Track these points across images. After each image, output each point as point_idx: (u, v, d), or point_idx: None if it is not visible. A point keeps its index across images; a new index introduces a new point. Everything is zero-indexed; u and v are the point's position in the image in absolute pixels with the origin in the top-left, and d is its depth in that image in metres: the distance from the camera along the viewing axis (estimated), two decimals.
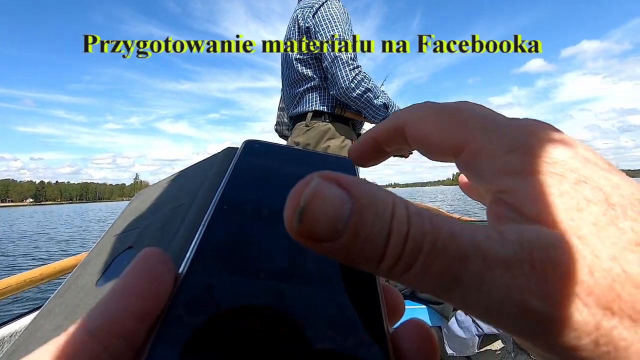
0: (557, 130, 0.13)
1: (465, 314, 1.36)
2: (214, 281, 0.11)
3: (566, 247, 0.09)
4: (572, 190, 0.11)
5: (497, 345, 1.50)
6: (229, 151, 0.26)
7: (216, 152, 0.28)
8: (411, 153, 1.74)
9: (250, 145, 0.18)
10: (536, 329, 0.09)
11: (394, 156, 1.84)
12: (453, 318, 1.36)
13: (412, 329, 0.11)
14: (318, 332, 0.10)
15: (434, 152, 0.15)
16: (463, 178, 0.20)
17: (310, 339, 0.10)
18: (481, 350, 1.43)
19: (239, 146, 0.18)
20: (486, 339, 1.40)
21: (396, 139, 0.16)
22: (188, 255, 0.12)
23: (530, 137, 0.12)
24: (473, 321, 1.35)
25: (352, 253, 0.10)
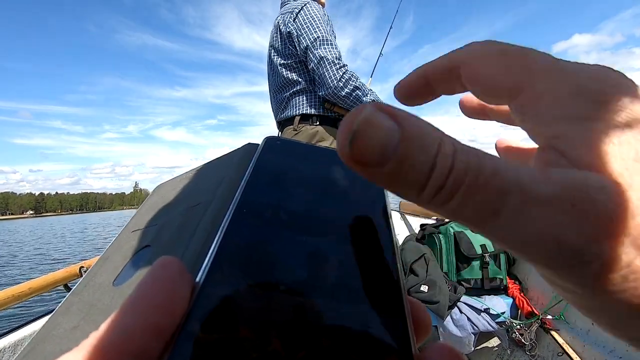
0: (628, 79, 0.12)
1: (461, 312, 1.37)
2: (231, 294, 0.10)
3: (612, 191, 0.10)
4: (634, 140, 0.11)
5: (493, 342, 1.50)
6: (249, 148, 0.25)
7: (235, 148, 0.27)
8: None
9: (271, 142, 0.17)
10: (568, 262, 0.10)
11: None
12: (448, 317, 1.36)
13: (441, 353, 0.11)
14: (341, 352, 0.10)
15: (489, 94, 0.14)
16: (502, 142, 0.19)
17: (333, 359, 0.10)
18: (477, 348, 1.43)
19: (260, 143, 0.17)
20: (482, 336, 1.40)
21: (450, 78, 0.15)
22: (205, 263, 0.11)
23: (598, 83, 0.12)
24: (468, 319, 1.35)
25: (394, 179, 0.10)
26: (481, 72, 0.14)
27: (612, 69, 0.12)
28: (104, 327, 0.09)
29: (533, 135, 0.13)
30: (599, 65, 0.12)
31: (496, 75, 0.13)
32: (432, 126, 0.10)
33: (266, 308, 0.10)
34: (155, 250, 0.27)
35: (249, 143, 0.25)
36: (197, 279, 0.11)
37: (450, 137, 0.10)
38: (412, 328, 0.11)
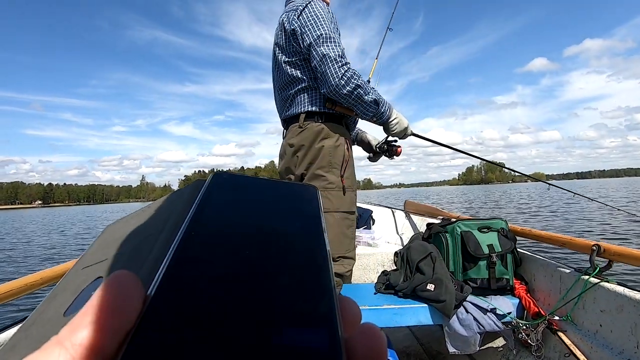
0: None
1: (467, 312, 1.36)
2: (181, 301, 0.12)
3: None
4: None
5: (499, 342, 1.50)
6: (197, 183, 0.26)
7: (185, 186, 0.29)
8: (399, 150, 1.73)
9: (218, 177, 0.19)
10: None
11: (385, 156, 1.77)
12: (454, 316, 1.36)
13: (366, 333, 0.13)
14: (274, 337, 0.11)
15: None
16: None
17: (268, 346, 0.11)
18: (483, 347, 1.43)
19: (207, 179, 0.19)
20: (488, 336, 1.40)
21: None
22: (156, 277, 0.12)
23: None
24: (474, 319, 1.35)
25: None
26: None
27: None
28: (65, 329, 0.10)
29: None
30: None
31: None
32: None
33: (212, 312, 0.12)
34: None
35: (198, 180, 0.26)
36: (149, 292, 0.12)
37: None
38: (340, 317, 0.13)
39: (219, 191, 0.18)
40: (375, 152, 1.78)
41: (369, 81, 1.80)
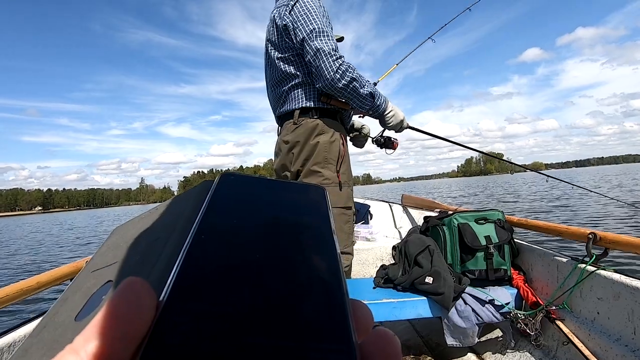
0: None
1: (465, 304, 1.37)
2: (193, 308, 0.12)
3: None
4: None
5: (498, 333, 1.50)
6: (205, 184, 0.27)
7: (193, 187, 0.29)
8: (396, 144, 1.71)
9: (226, 178, 0.19)
10: None
11: (381, 147, 1.76)
12: (453, 308, 1.36)
13: (378, 337, 0.13)
14: (288, 345, 0.11)
15: None
16: None
17: (281, 354, 0.11)
18: (482, 339, 1.43)
19: (215, 180, 0.19)
20: (486, 327, 1.40)
21: None
22: (168, 283, 0.12)
23: None
24: (473, 310, 1.35)
25: None
26: None
27: None
28: (79, 337, 0.10)
29: None
30: None
31: None
32: None
33: (224, 318, 0.12)
34: (117, 284, 0.26)
35: (205, 180, 0.26)
36: (161, 298, 0.12)
37: None
38: (353, 322, 0.13)
39: (227, 193, 0.17)
40: (358, 131, 1.71)
41: (375, 84, 1.77)
